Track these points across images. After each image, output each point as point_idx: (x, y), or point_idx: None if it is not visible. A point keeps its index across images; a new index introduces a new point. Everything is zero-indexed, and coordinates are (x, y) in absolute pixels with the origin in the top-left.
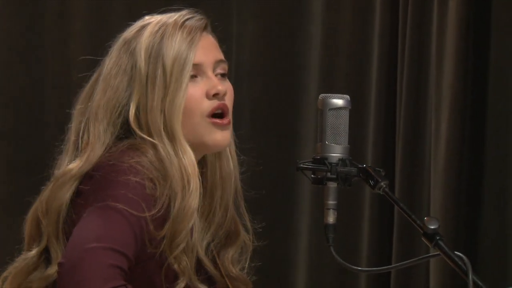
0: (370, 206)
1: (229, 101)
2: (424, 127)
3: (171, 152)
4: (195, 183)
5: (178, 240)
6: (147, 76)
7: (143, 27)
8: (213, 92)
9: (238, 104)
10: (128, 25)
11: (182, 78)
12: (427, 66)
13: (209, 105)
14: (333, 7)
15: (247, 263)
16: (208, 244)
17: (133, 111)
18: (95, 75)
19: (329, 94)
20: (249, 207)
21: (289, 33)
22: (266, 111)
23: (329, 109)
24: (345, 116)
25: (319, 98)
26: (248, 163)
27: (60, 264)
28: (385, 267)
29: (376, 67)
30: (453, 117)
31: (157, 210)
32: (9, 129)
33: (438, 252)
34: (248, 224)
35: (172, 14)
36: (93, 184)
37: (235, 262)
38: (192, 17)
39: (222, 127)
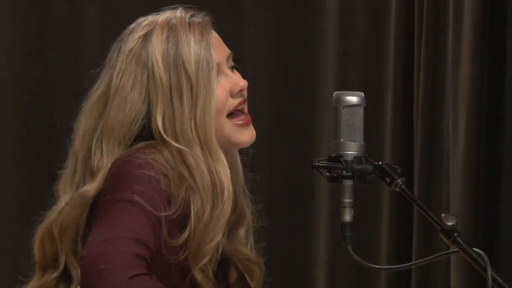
0: (389, 204)
1: (245, 92)
2: (441, 127)
3: (203, 159)
4: (228, 191)
5: (205, 250)
6: (170, 87)
7: (147, 35)
8: (237, 89)
9: (253, 104)
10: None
11: (210, 82)
12: (444, 65)
13: (233, 103)
14: (348, 6)
15: (252, 242)
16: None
17: (161, 123)
18: (101, 89)
19: (343, 91)
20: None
21: (304, 32)
22: (281, 110)
23: (343, 107)
24: (359, 113)
25: (333, 95)
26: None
27: (82, 258)
28: (401, 265)
29: (393, 67)
30: (471, 117)
31: (172, 211)
32: (20, 134)
33: (456, 249)
34: (250, 204)
35: (169, 13)
36: (109, 182)
37: (244, 243)
38: (194, 15)
39: (246, 126)
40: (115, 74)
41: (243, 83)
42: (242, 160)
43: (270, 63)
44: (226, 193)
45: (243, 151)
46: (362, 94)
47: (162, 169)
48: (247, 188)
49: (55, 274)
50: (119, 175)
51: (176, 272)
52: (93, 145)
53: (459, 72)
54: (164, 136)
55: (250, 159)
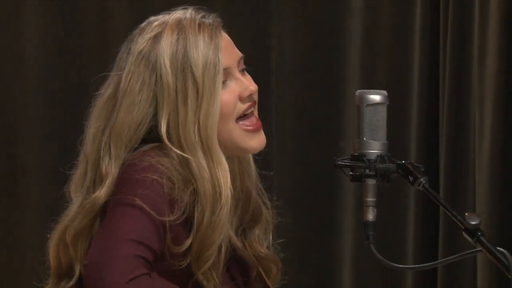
0: (415, 203)
1: (256, 96)
2: (467, 123)
3: (204, 165)
4: (226, 196)
5: (207, 255)
6: (176, 90)
7: (156, 36)
8: (246, 94)
9: (279, 102)
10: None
11: (215, 87)
12: (470, 62)
13: (242, 107)
14: (373, 3)
15: (271, 241)
16: (236, 229)
17: (165, 128)
18: (110, 90)
19: (366, 90)
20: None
21: (330, 30)
22: (307, 108)
23: (366, 105)
24: (382, 112)
25: (356, 94)
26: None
27: (84, 266)
28: (424, 264)
29: (418, 63)
30: (497, 113)
31: (175, 216)
32: (48, 134)
33: (479, 248)
34: (267, 201)
35: (180, 14)
36: (115, 186)
37: (262, 241)
38: (205, 16)
39: (255, 132)
40: (123, 76)
41: (253, 87)
42: (255, 160)
43: (296, 61)
44: (223, 199)
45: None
46: (385, 92)
47: (167, 172)
48: (263, 186)
49: (70, 283)
50: (122, 179)
51: (180, 277)
52: (102, 148)
53: (484, 67)
54: (167, 142)
55: (272, 157)
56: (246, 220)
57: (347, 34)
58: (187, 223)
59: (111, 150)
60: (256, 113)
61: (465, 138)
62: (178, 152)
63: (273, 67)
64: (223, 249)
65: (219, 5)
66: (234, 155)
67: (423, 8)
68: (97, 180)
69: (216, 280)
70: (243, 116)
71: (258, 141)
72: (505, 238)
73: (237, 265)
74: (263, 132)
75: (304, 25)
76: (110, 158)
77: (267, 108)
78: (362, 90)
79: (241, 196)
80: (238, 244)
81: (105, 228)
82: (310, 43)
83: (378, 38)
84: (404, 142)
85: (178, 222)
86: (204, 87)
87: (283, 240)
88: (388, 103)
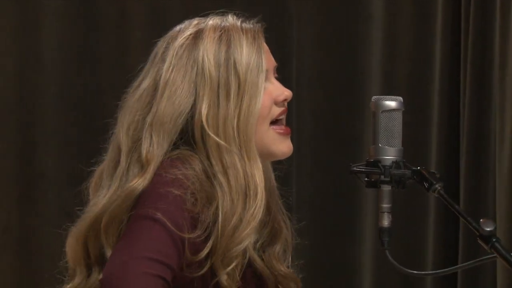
0: (435, 209)
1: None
2: (488, 129)
3: (239, 160)
4: (261, 194)
5: (232, 253)
6: (218, 83)
7: (198, 32)
8: (282, 98)
9: (299, 109)
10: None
11: (258, 86)
12: (491, 68)
13: (276, 111)
14: (393, 10)
15: (290, 260)
16: (255, 243)
17: (205, 117)
18: (148, 82)
19: (382, 96)
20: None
21: (349, 37)
22: (327, 115)
23: (382, 111)
24: (398, 118)
25: (372, 100)
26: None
27: (101, 279)
28: (439, 270)
29: (438, 70)
30: None
31: (196, 234)
32: (71, 137)
33: (494, 254)
34: (287, 221)
35: (219, 17)
36: (140, 195)
37: (281, 259)
38: (246, 21)
39: (286, 136)
40: (164, 68)
41: (288, 93)
42: (276, 176)
43: (316, 67)
44: (259, 196)
45: (276, 168)
46: (401, 98)
47: (192, 187)
48: (283, 205)
49: (99, 272)
50: (146, 192)
51: (198, 284)
52: (142, 137)
53: (505, 73)
54: (206, 127)
55: (292, 167)
56: (264, 234)
57: (367, 41)
58: (206, 231)
59: (153, 138)
60: (284, 122)
61: (485, 143)
62: (216, 138)
63: (293, 74)
64: (248, 253)
65: (239, 9)
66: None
67: (444, 14)
68: (133, 167)
69: (238, 280)
70: (275, 122)
71: (288, 146)
72: None
73: (254, 278)
74: (290, 140)
75: (324, 31)
76: (151, 145)
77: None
78: (377, 96)
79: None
80: (256, 258)
81: (126, 242)
82: (330, 49)
83: (398, 45)
84: (425, 148)
85: (200, 239)
86: (246, 84)
87: (302, 262)
88: (403, 109)
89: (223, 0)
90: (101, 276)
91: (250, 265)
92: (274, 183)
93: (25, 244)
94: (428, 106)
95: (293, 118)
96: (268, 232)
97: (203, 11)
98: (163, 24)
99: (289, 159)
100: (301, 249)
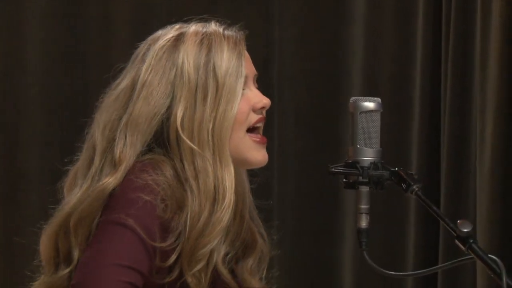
0: (415, 210)
1: (264, 112)
2: (469, 130)
3: (211, 163)
4: (229, 199)
5: (198, 255)
6: (196, 85)
7: (180, 36)
8: (260, 105)
9: (281, 109)
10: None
11: (236, 90)
12: (471, 70)
13: (254, 118)
14: (375, 10)
15: (264, 272)
16: (225, 256)
17: (180, 120)
18: (126, 83)
19: (360, 97)
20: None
21: (331, 36)
22: (309, 115)
23: (360, 112)
24: (376, 119)
25: (350, 101)
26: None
27: (72, 286)
28: (416, 271)
29: (420, 71)
30: (498, 120)
31: (167, 243)
32: (54, 138)
33: (471, 256)
34: (263, 232)
35: (202, 24)
36: (110, 199)
37: (254, 273)
38: (228, 28)
39: (262, 145)
40: (143, 68)
41: (267, 101)
42: (251, 189)
43: (298, 67)
44: (226, 201)
45: (251, 181)
46: (379, 99)
47: (162, 193)
48: (259, 215)
49: (68, 269)
50: (116, 196)
51: None
52: (116, 136)
53: (486, 74)
54: (180, 131)
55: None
56: (237, 247)
57: (349, 41)
58: (177, 239)
59: (127, 138)
60: (261, 131)
61: (466, 144)
62: (190, 143)
63: (275, 74)
64: (215, 256)
65: (221, 12)
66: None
67: (425, 16)
68: (106, 167)
69: (204, 283)
70: (252, 129)
71: (263, 155)
72: (507, 245)
73: None
74: (265, 150)
75: (305, 31)
76: (125, 145)
77: (268, 113)
78: (356, 98)
79: (234, 219)
80: (223, 271)
81: (95, 249)
82: (312, 49)
83: (380, 45)
84: (406, 148)
85: (169, 248)
86: (224, 88)
87: (278, 273)
88: (382, 110)
89: (206, 1)
90: (66, 272)
91: (219, 277)
92: (249, 193)
93: (8, 245)
94: (409, 106)
95: (275, 119)
96: (241, 244)
97: (187, 12)
98: (147, 25)
99: (271, 160)
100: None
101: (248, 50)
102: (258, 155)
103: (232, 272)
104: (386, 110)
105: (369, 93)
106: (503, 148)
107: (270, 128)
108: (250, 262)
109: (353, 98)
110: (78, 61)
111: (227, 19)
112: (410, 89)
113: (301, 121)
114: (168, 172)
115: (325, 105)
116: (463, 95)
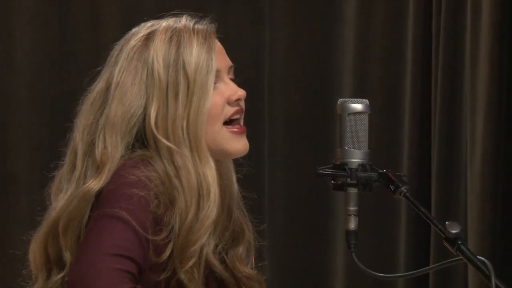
0: (406, 211)
1: (243, 104)
2: (459, 131)
3: (190, 160)
4: (214, 193)
5: (189, 253)
6: (167, 84)
7: (150, 34)
8: (235, 98)
9: (271, 110)
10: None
11: (207, 86)
12: (462, 70)
13: (230, 111)
14: (366, 12)
15: (253, 262)
16: (215, 247)
17: (153, 120)
18: (101, 86)
19: (348, 99)
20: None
21: (322, 38)
22: (299, 117)
23: (348, 114)
24: (364, 120)
25: (338, 103)
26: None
27: (68, 281)
28: (405, 273)
29: (410, 72)
30: (489, 120)
31: (160, 237)
32: (42, 140)
33: (460, 257)
34: (249, 223)
35: (174, 19)
36: (102, 196)
37: (244, 261)
38: (199, 21)
39: (241, 135)
40: (116, 70)
41: (242, 92)
42: (238, 179)
43: (288, 69)
44: (212, 196)
45: (237, 170)
46: (367, 101)
47: (155, 189)
48: (245, 207)
49: (61, 274)
50: (109, 191)
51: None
52: (96, 139)
53: (477, 75)
54: (155, 131)
55: (263, 164)
56: (226, 237)
57: (339, 43)
58: (170, 233)
59: (107, 139)
60: (241, 122)
61: (457, 145)
62: (166, 142)
63: (265, 76)
64: (205, 251)
65: (213, 13)
66: (217, 163)
67: (415, 18)
68: (89, 170)
69: (198, 280)
70: (229, 122)
71: (243, 144)
72: (498, 246)
73: (215, 282)
74: (246, 138)
75: (296, 33)
76: (105, 147)
77: (259, 115)
78: (344, 99)
79: (223, 212)
80: (215, 262)
81: (89, 241)
82: (303, 51)
83: (370, 47)
84: (396, 151)
85: (162, 242)
86: (195, 84)
87: (266, 263)
88: (369, 112)
89: (197, 3)
90: (59, 277)
91: (211, 268)
92: (235, 185)
93: None
94: (400, 107)
95: (265, 120)
96: (230, 235)
97: (176, 11)
98: (135, 25)
99: (262, 161)
100: (274, 251)
101: (239, 52)
102: (237, 144)
103: (224, 262)
104: (377, 111)
105: (359, 95)
106: (493, 148)
107: (260, 129)
108: (240, 250)
109: (341, 99)
110: (67, 63)
111: (218, 22)
112: (401, 91)
113: (292, 122)
114: (160, 167)
115: (316, 106)
116: (454, 96)
